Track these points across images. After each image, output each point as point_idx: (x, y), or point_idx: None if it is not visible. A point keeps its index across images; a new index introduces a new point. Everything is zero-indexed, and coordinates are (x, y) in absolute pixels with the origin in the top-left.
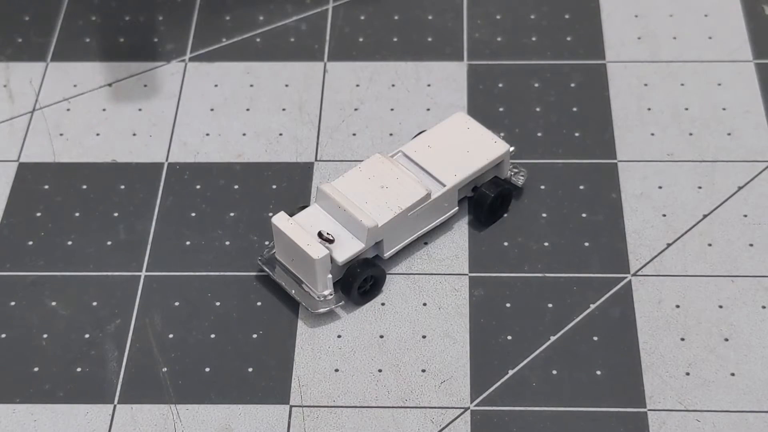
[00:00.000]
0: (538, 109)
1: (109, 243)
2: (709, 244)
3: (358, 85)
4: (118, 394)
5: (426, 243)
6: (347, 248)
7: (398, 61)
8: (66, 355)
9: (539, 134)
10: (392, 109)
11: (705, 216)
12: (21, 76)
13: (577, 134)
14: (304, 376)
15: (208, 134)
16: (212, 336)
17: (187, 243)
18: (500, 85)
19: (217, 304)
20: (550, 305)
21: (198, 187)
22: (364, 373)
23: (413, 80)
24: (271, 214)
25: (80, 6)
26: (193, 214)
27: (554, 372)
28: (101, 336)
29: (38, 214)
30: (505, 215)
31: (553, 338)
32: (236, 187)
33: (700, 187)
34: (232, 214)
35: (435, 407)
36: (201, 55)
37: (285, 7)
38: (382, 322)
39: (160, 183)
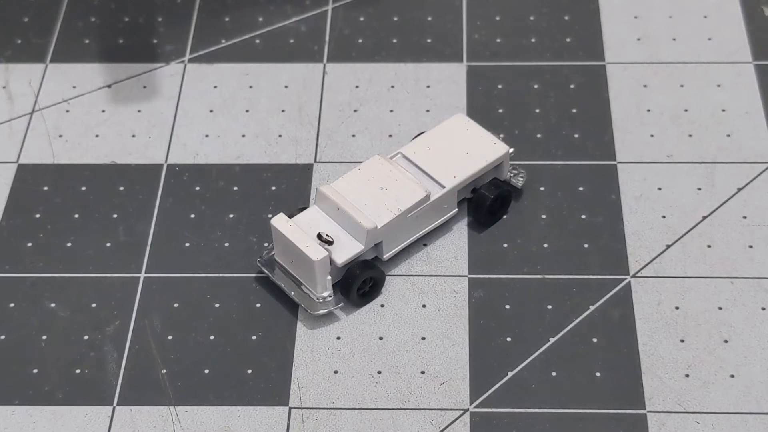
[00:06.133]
0: (537, 111)
1: (108, 244)
2: (709, 246)
3: (357, 87)
4: (117, 395)
5: (425, 244)
6: (346, 250)
7: (398, 62)
8: (65, 357)
9: (539, 136)
10: (392, 111)
11: (704, 217)
12: (20, 78)
13: (576, 135)
14: (303, 378)
15: (207, 136)
16: (211, 337)
17: (187, 244)
18: (500, 86)
19: (217, 305)
20: (549, 307)
21: (197, 188)
22: (364, 374)
23: (413, 81)
24: (270, 216)
25: (79, 7)
26: (193, 216)
27: (554, 374)
28: (100, 337)
29: (37, 216)
30: (505, 217)
31: (552, 340)
32: (235, 188)
33: (699, 189)
34: (231, 216)
35: (434, 409)
36: (200, 57)
37: (284, 8)
38: (381, 323)
39: (159, 184)
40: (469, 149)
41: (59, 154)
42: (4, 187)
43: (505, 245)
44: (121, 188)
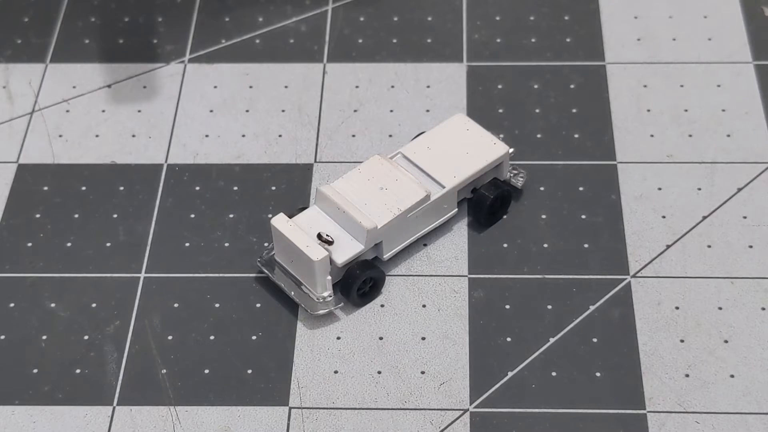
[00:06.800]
0: (537, 111)
1: (108, 244)
2: (709, 246)
3: (357, 87)
4: (117, 395)
5: (425, 244)
6: (346, 250)
7: (398, 62)
8: (65, 357)
9: (539, 136)
10: (392, 111)
11: (704, 217)
12: (20, 78)
13: (576, 136)
14: (303, 378)
15: (207, 135)
16: (211, 337)
17: (187, 244)
18: (500, 86)
19: (217, 305)
20: (549, 307)
21: (197, 188)
22: (364, 374)
23: (413, 81)
24: (270, 216)
25: (80, 7)
26: (193, 216)
27: (553, 374)
28: (100, 337)
29: (37, 216)
30: (505, 217)
31: (552, 340)
32: (235, 188)
33: (699, 189)
34: (231, 216)
35: (434, 409)
36: (200, 57)
37: (284, 8)
38: (381, 323)
39: (159, 184)
40: (469, 149)
41: (59, 154)
42: (4, 187)
43: (505, 245)
44: (121, 188)
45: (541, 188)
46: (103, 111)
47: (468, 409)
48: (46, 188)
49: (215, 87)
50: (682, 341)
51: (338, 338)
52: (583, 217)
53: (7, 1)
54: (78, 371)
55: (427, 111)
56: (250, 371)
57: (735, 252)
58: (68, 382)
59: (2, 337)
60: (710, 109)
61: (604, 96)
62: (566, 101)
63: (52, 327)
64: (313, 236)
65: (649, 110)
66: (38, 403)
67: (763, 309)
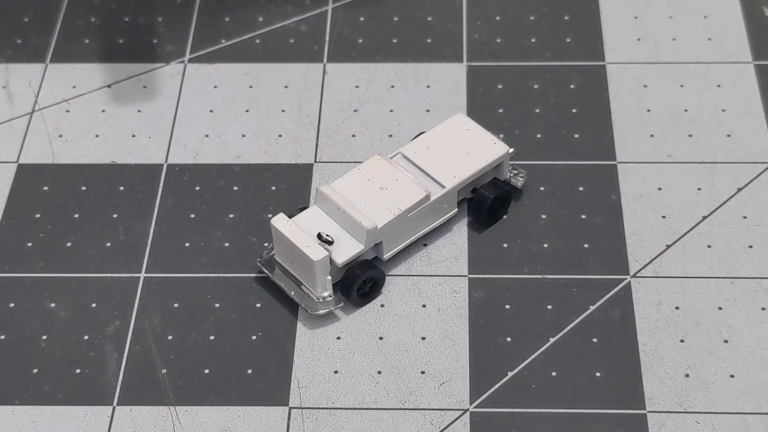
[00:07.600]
0: (537, 111)
1: (108, 244)
2: (709, 246)
3: (357, 87)
4: (117, 395)
5: (425, 244)
6: (346, 250)
7: (398, 62)
8: (65, 357)
9: (539, 136)
10: (392, 111)
11: (704, 217)
12: (20, 78)
13: (576, 136)
14: (303, 378)
15: (207, 135)
16: (211, 337)
17: (187, 244)
18: (500, 86)
19: (217, 305)
20: (549, 307)
21: (197, 188)
22: (364, 374)
23: (413, 81)
24: (270, 216)
25: (80, 7)
26: (193, 216)
27: (554, 373)
28: (100, 337)
29: (37, 216)
30: (505, 217)
31: (552, 340)
32: (235, 188)
33: (699, 189)
34: (231, 216)
35: (434, 409)
36: (200, 57)
37: (284, 8)
38: (381, 323)
39: (159, 184)
40: (469, 149)
41: (59, 154)
42: (4, 187)
43: (505, 245)
44: (121, 188)
45: (541, 188)
46: (103, 111)
47: (468, 409)
48: (46, 188)
49: (215, 87)
50: (682, 341)
51: (338, 338)
52: (583, 217)
53: (7, 1)
54: (78, 371)
55: (427, 111)
56: (250, 371)
57: (735, 252)
58: (68, 382)
59: (2, 337)
60: (710, 109)
61: (604, 96)
62: (566, 101)
63: (52, 327)
64: (313, 236)
65: (649, 110)
66: (38, 403)
67: (763, 309)
